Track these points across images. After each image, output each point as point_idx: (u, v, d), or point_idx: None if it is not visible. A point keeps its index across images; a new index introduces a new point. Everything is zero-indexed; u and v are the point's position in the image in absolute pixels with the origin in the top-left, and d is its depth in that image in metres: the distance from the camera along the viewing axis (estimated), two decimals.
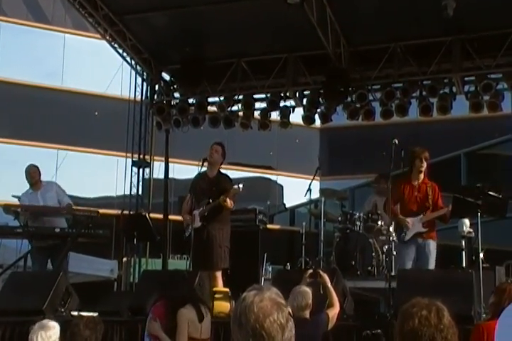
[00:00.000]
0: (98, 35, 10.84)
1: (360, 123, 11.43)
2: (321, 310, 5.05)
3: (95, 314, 6.01)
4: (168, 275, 6.26)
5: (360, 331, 5.32)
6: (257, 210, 9.32)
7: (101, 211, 8.43)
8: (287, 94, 10.30)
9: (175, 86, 11.06)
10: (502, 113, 10.04)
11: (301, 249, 8.66)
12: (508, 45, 8.78)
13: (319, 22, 8.63)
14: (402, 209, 7.12)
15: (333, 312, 5.02)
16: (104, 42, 10.53)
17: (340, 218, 8.40)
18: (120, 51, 10.56)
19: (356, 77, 9.62)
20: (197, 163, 7.22)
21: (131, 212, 10.53)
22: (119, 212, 10.87)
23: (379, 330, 4.97)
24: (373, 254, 7.94)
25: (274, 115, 10.65)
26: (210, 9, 9.25)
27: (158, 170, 11.57)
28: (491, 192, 6.41)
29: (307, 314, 4.87)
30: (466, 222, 8.50)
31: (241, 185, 6.96)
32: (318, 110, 10.17)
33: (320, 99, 10.01)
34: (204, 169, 7.33)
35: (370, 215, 8.21)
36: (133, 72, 11.12)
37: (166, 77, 11.11)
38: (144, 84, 11.07)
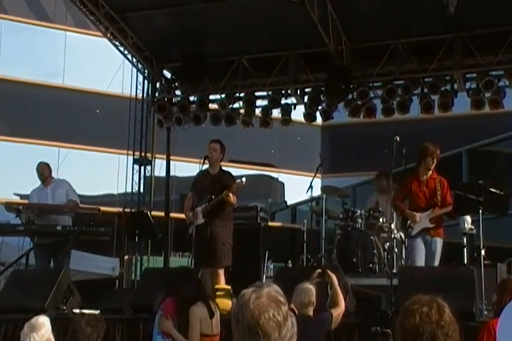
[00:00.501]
0: (99, 33, 10.84)
1: (361, 120, 11.44)
2: (323, 308, 5.05)
3: (97, 312, 6.03)
4: (171, 273, 6.25)
5: (362, 328, 5.33)
6: (259, 208, 9.32)
7: (102, 209, 8.42)
8: (288, 91, 10.29)
9: (176, 84, 11.06)
10: (503, 110, 10.01)
11: (303, 246, 8.67)
12: (510, 42, 8.76)
13: (320, 19, 8.63)
14: (410, 204, 7.10)
15: (338, 311, 5.02)
16: (105, 40, 10.52)
17: (341, 215, 8.40)
18: (121, 49, 10.56)
19: (357, 74, 9.61)
20: (198, 160, 7.23)
21: (132, 210, 10.53)
22: (121, 209, 10.88)
23: (388, 330, 4.96)
24: (375, 251, 7.95)
25: (276, 112, 10.65)
26: (211, 7, 9.25)
27: (159, 168, 11.59)
28: (492, 189, 6.41)
29: (310, 311, 4.87)
30: (468, 219, 8.52)
31: (244, 179, 6.95)
32: (320, 107, 10.17)
33: (321, 96, 10.01)
34: (205, 167, 7.33)
35: (371, 212, 8.21)
36: (134, 70, 11.13)
37: (167, 74, 11.11)
38: (145, 81, 11.07)
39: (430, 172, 7.04)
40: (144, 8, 9.69)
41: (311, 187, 8.44)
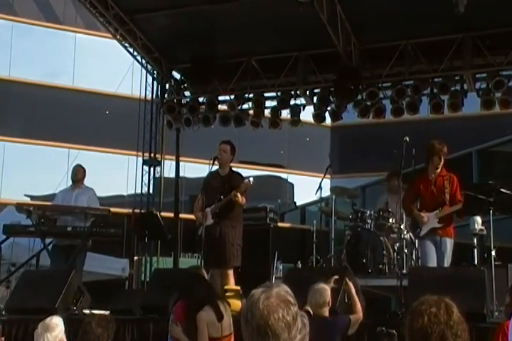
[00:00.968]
0: (109, 35, 10.88)
1: (370, 121, 11.42)
2: (343, 313, 5.06)
3: (107, 312, 6.05)
4: (180, 274, 6.27)
5: (371, 329, 5.32)
6: (268, 208, 9.32)
7: (112, 210, 8.46)
8: (298, 92, 10.29)
9: (185, 85, 11.08)
10: None
11: (312, 247, 8.65)
12: None
13: (329, 20, 8.62)
14: (420, 204, 7.04)
15: (356, 318, 5.01)
16: (114, 41, 10.56)
17: (351, 216, 8.38)
18: (131, 50, 10.59)
19: (367, 74, 9.59)
20: (208, 161, 7.23)
21: (142, 211, 10.56)
22: (131, 210, 10.91)
23: (394, 330, 4.95)
24: (384, 252, 7.92)
25: (285, 113, 10.65)
26: (220, 8, 9.26)
27: (169, 169, 11.61)
28: (503, 190, 6.36)
29: (326, 312, 4.87)
30: (478, 219, 8.48)
31: (251, 179, 6.95)
32: (329, 108, 10.15)
33: (330, 97, 10.00)
34: (215, 168, 7.33)
35: (381, 213, 8.18)
36: (143, 71, 11.15)
37: (177, 75, 11.12)
38: (155, 83, 11.09)
39: (438, 170, 6.95)
40: (153, 10, 9.72)
41: (320, 187, 8.43)
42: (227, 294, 6.62)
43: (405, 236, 7.63)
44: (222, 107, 10.79)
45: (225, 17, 9.47)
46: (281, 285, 2.03)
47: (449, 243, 6.84)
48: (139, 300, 6.73)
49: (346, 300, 5.34)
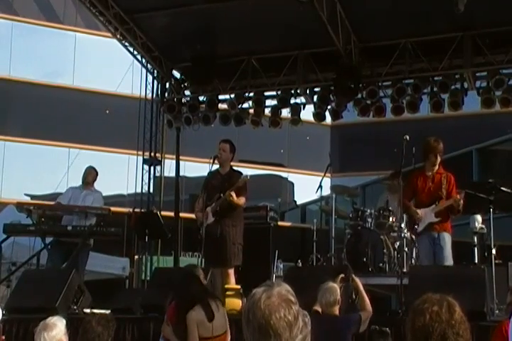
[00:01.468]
0: (109, 34, 10.87)
1: (371, 119, 11.41)
2: (353, 310, 5.06)
3: (108, 311, 6.06)
4: (180, 273, 6.26)
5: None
6: (268, 207, 9.32)
7: (112, 209, 8.46)
8: (298, 91, 10.29)
9: (185, 84, 11.07)
10: None
11: (313, 245, 8.66)
12: None
13: (329, 19, 8.61)
14: (416, 201, 7.02)
15: (366, 315, 5.01)
16: (114, 40, 10.56)
17: (351, 215, 8.39)
18: (131, 49, 10.58)
19: (367, 73, 9.59)
20: (208, 160, 7.22)
21: (142, 210, 10.56)
22: (131, 210, 10.91)
23: (387, 328, 4.95)
24: (385, 251, 7.92)
25: (285, 112, 10.64)
26: (220, 7, 9.25)
27: (169, 168, 11.61)
28: (503, 188, 6.37)
29: (336, 310, 4.88)
30: (478, 218, 8.48)
31: (248, 175, 6.96)
32: (329, 107, 10.15)
33: (330, 95, 10.00)
34: (216, 167, 7.33)
35: (381, 212, 8.19)
36: (144, 70, 11.15)
37: (177, 74, 11.12)
38: (155, 82, 11.09)
39: (436, 167, 6.93)
40: (153, 9, 9.71)
41: (320, 186, 8.44)
42: (228, 293, 6.62)
43: (405, 235, 7.63)
44: (223, 106, 10.80)
45: (224, 16, 9.46)
46: (283, 285, 2.02)
47: (447, 237, 6.80)
48: (139, 299, 6.74)
49: (350, 301, 5.35)
